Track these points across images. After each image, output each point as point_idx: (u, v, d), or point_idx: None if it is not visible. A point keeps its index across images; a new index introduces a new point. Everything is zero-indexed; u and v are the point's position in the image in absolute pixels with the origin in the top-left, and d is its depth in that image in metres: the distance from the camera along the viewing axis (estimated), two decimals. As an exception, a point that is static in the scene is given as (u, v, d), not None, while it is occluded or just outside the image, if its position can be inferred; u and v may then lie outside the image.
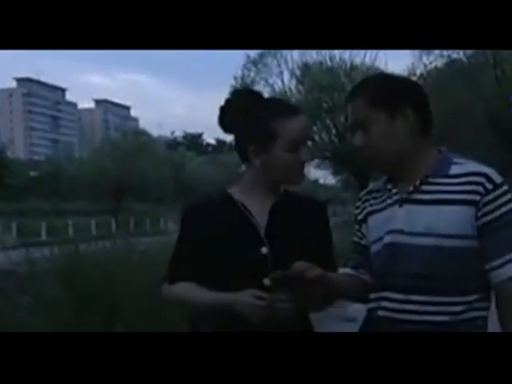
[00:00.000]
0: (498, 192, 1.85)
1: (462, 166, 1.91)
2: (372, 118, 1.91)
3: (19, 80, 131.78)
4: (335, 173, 37.87)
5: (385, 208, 2.00)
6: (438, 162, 1.94)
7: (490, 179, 1.86)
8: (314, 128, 30.82)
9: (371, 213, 2.05)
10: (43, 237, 26.62)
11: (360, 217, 2.10)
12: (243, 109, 2.01)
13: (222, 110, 2.05)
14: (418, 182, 1.92)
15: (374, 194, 2.07)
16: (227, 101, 2.05)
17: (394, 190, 1.98)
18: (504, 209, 1.85)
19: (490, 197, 1.85)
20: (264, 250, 1.98)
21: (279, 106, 2.07)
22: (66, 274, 5.48)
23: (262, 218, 2.03)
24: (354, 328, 2.14)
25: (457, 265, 1.85)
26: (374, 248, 2.00)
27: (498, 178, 1.87)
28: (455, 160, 1.94)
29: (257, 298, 1.85)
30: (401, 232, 1.91)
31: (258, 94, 2.10)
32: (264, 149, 1.98)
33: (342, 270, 2.13)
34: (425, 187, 1.91)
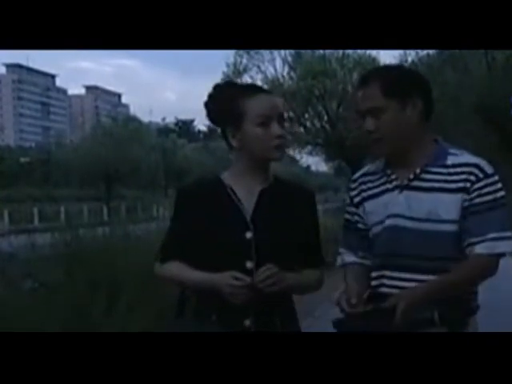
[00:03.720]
0: (487, 181, 2.03)
1: (458, 156, 2.07)
2: (385, 105, 2.03)
3: (8, 66, 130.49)
4: (327, 159, 37.86)
5: (383, 192, 2.13)
6: (436, 151, 2.09)
7: (481, 169, 2.03)
8: (306, 115, 30.83)
9: (369, 197, 2.17)
10: (36, 223, 26.62)
11: (357, 199, 2.21)
12: (221, 99, 2.12)
13: (206, 105, 2.16)
14: (418, 170, 2.07)
15: (370, 177, 2.19)
16: (209, 96, 2.15)
17: (393, 176, 2.11)
18: (490, 196, 2.02)
19: (480, 184, 2.02)
20: (248, 234, 2.06)
21: (247, 87, 2.21)
22: (67, 258, 5.56)
23: (249, 203, 2.10)
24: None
25: (454, 247, 2.03)
26: (375, 230, 2.14)
27: (489, 169, 2.05)
28: (451, 151, 2.10)
29: (236, 280, 1.96)
30: (402, 216, 2.06)
31: (235, 83, 2.24)
32: (237, 128, 2.08)
33: (342, 250, 2.26)
34: (424, 175, 2.07)
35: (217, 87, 2.16)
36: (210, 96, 2.15)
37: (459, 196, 2.02)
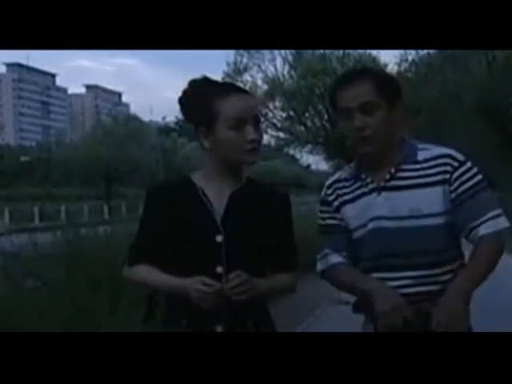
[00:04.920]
0: (463, 168, 2.07)
1: (428, 151, 2.11)
2: (378, 102, 2.05)
3: (9, 65, 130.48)
4: (328, 158, 37.92)
5: (360, 197, 2.13)
6: (405, 149, 2.12)
7: (454, 158, 2.08)
8: (306, 114, 30.88)
9: (346, 202, 2.16)
10: (36, 222, 26.65)
11: (336, 204, 2.18)
12: (194, 97, 2.04)
13: (180, 101, 2.08)
14: (393, 170, 2.08)
15: (344, 183, 2.18)
16: (183, 92, 2.08)
17: (368, 179, 2.11)
18: (472, 181, 2.06)
19: (458, 172, 2.06)
20: (219, 238, 1.98)
21: (222, 86, 2.09)
22: (69, 257, 5.58)
23: (220, 205, 2.02)
24: (347, 310, 2.24)
25: (440, 239, 2.06)
26: (357, 234, 2.13)
27: (461, 157, 2.09)
28: (420, 146, 2.13)
29: (204, 285, 1.88)
30: (384, 218, 2.07)
31: (211, 81, 2.10)
32: (210, 130, 2.00)
33: (326, 251, 2.18)
34: (399, 174, 2.08)
35: (191, 83, 2.07)
36: (185, 92, 2.07)
37: (440, 188, 2.05)
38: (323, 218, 2.23)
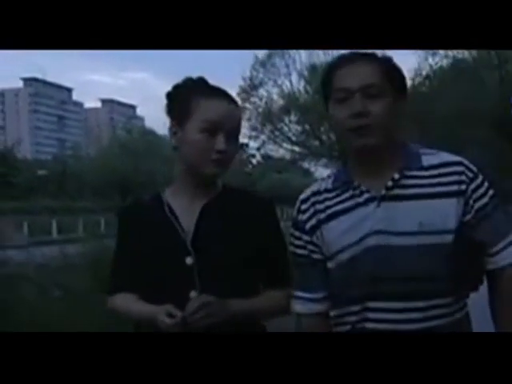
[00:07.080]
0: (478, 180, 1.78)
1: (433, 156, 1.80)
2: (383, 89, 1.72)
3: (26, 80, 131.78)
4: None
5: (350, 209, 1.77)
6: (407, 153, 1.80)
7: (468, 167, 1.78)
8: (321, 128, 31.01)
9: (330, 217, 1.80)
10: (54, 235, 26.86)
11: (311, 223, 1.82)
12: (180, 90, 1.90)
13: (167, 95, 1.94)
14: (397, 176, 1.74)
15: (326, 195, 1.83)
16: (172, 86, 1.94)
17: (363, 187, 1.76)
18: (487, 197, 1.77)
19: (474, 184, 1.76)
20: (189, 260, 1.79)
21: (211, 89, 1.89)
22: (95, 268, 5.73)
23: (190, 222, 1.83)
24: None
25: (452, 261, 1.73)
26: (348, 254, 1.76)
27: (473, 166, 1.80)
28: (421, 151, 1.82)
29: (168, 316, 1.70)
30: (387, 233, 1.73)
31: (205, 82, 1.92)
32: (181, 126, 1.83)
33: (297, 293, 1.88)
34: (404, 181, 1.75)
35: (184, 80, 1.92)
36: (173, 87, 1.92)
37: (454, 200, 1.74)
38: (293, 246, 1.87)
